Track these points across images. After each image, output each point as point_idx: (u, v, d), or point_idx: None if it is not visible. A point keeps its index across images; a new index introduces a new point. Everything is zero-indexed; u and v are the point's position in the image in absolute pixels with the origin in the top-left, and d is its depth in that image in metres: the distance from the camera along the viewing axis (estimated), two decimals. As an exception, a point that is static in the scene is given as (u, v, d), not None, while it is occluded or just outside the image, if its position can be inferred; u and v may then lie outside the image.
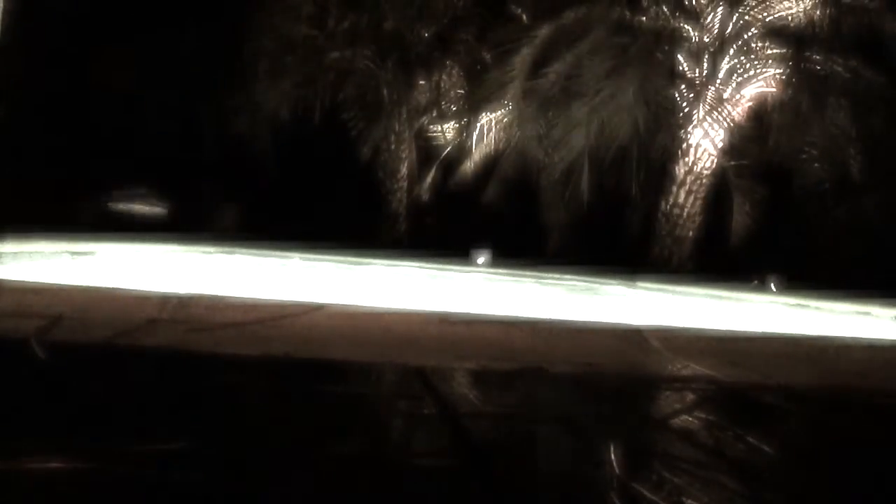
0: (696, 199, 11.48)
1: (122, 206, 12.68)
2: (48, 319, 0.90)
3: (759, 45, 11.17)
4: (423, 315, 1.37)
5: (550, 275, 8.37)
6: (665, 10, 11.23)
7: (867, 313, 6.52)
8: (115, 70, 12.49)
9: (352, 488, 0.48)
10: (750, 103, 11.26)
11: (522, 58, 11.28)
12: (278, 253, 8.03)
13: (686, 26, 11.29)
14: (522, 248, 10.11)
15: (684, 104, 11.15)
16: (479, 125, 13.24)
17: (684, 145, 11.22)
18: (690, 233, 11.56)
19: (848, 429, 0.83)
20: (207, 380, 0.76)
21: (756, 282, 10.07)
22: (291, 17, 13.17)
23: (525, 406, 0.74)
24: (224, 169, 13.28)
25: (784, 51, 10.86)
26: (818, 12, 10.60)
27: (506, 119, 12.49)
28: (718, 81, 11.09)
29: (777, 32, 11.01)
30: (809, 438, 0.77)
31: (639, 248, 11.79)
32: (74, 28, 12.35)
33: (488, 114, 13.02)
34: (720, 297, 7.59)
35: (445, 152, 14.24)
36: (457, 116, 14.04)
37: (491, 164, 12.91)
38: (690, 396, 0.82)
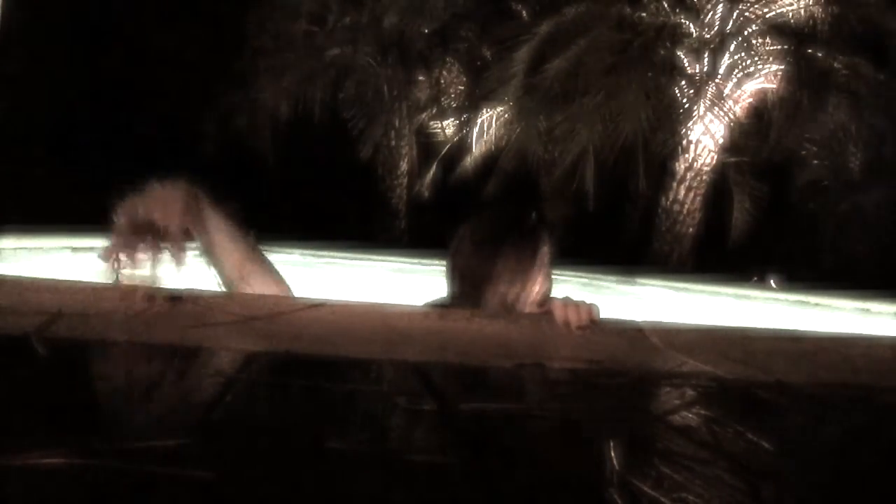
0: (696, 195, 11.50)
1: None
2: (48, 315, 0.90)
3: (760, 41, 11.19)
4: (422, 311, 1.37)
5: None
6: (665, 6, 11.24)
7: (867, 310, 6.52)
8: (114, 67, 12.49)
9: (350, 484, 0.48)
10: (750, 100, 11.28)
11: (523, 54, 11.30)
12: (278, 250, 8.03)
13: (687, 22, 11.30)
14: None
15: (685, 100, 11.17)
16: (479, 122, 13.27)
17: (684, 142, 11.24)
18: (690, 229, 11.58)
19: (848, 425, 0.83)
20: (207, 375, 0.76)
21: (756, 278, 10.08)
22: (291, 14, 13.18)
23: (524, 402, 0.74)
24: (224, 165, 13.29)
25: (784, 47, 10.87)
26: (819, 9, 10.62)
27: (506, 115, 12.51)
28: (719, 78, 11.10)
29: (778, 29, 11.03)
30: (810, 435, 0.78)
31: (638, 245, 11.81)
32: (74, 25, 12.35)
33: (489, 110, 13.04)
34: (720, 294, 7.59)
35: (446, 149, 14.26)
36: (457, 113, 14.06)
37: (491, 161, 12.95)
38: (691, 393, 0.82)
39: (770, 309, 7.38)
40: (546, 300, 1.72)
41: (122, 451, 0.54)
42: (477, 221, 1.84)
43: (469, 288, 1.68)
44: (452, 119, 14.28)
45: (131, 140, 12.44)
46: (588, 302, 1.43)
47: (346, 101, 13.88)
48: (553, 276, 1.76)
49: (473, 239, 1.76)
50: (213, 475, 0.52)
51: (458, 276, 1.73)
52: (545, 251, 1.74)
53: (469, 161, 13.37)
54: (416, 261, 8.33)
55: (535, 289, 1.67)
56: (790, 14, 11.01)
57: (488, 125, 13.27)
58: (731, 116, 11.01)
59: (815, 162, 11.32)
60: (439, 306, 1.78)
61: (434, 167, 14.44)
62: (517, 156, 11.83)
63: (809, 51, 10.77)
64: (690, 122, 11.08)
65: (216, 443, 0.60)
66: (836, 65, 10.69)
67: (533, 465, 0.63)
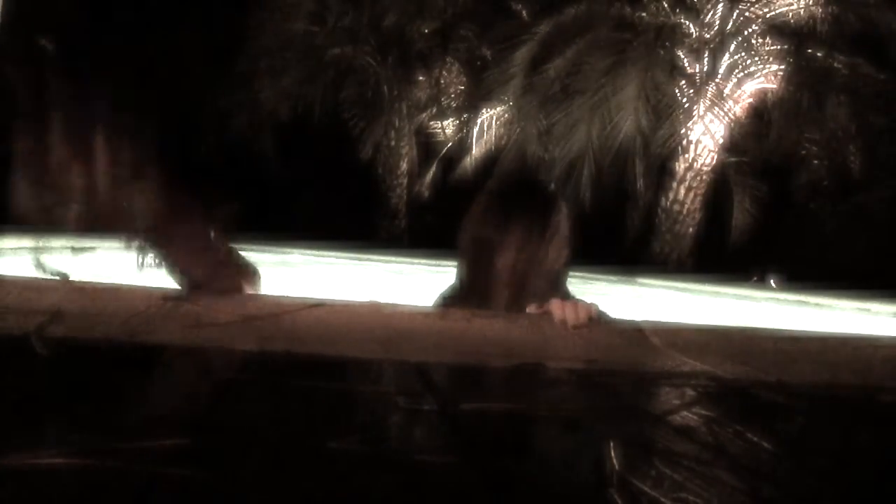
0: (696, 195, 11.50)
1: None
2: (48, 315, 0.90)
3: (760, 41, 11.19)
4: (422, 311, 1.37)
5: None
6: (665, 6, 11.25)
7: (867, 310, 6.53)
8: (113, 66, 12.48)
9: (351, 485, 0.48)
10: (750, 100, 11.28)
11: (523, 54, 11.30)
12: (278, 250, 8.04)
13: (686, 22, 11.30)
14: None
15: (685, 100, 11.16)
16: (479, 121, 13.26)
17: (684, 142, 11.23)
18: (690, 229, 11.58)
19: (848, 425, 0.83)
20: (207, 376, 0.76)
21: (756, 278, 10.08)
22: (291, 14, 13.17)
23: (524, 402, 0.74)
24: (224, 165, 13.28)
25: (784, 47, 10.87)
26: (819, 9, 10.62)
27: (506, 115, 12.51)
28: (719, 77, 11.10)
29: (778, 29, 11.03)
30: (809, 435, 0.77)
31: (638, 245, 11.81)
32: (73, 25, 12.33)
33: (488, 110, 13.04)
34: (720, 294, 7.60)
35: (446, 149, 14.26)
36: (457, 113, 14.06)
37: (491, 161, 12.95)
38: (690, 393, 0.82)
39: (770, 309, 7.38)
40: (561, 277, 1.69)
41: (122, 451, 0.54)
42: (490, 191, 1.82)
43: (480, 257, 1.64)
44: (452, 119, 14.28)
45: (131, 139, 12.40)
46: (588, 301, 1.42)
47: (346, 101, 13.88)
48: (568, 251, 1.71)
49: (486, 207, 1.73)
50: (213, 475, 0.52)
51: (470, 244, 1.69)
52: (559, 221, 1.69)
53: (469, 161, 13.36)
54: (416, 261, 8.34)
55: (548, 257, 1.63)
56: (790, 14, 11.00)
57: (488, 125, 13.26)
58: (731, 116, 11.01)
59: (815, 162, 11.32)
60: (448, 298, 1.77)
61: (434, 167, 14.44)
62: (517, 156, 11.82)
63: (809, 51, 10.76)
64: (690, 122, 11.08)
65: (216, 443, 0.60)
66: (836, 65, 10.69)
67: (533, 465, 0.63)
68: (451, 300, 1.76)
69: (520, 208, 1.67)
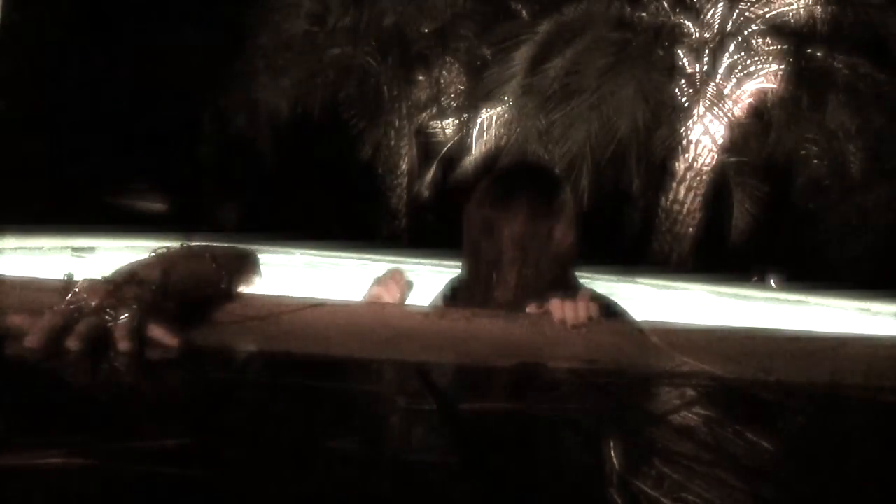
0: (695, 195, 11.50)
1: (123, 203, 12.70)
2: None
3: (760, 41, 11.19)
4: (423, 311, 1.38)
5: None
6: (665, 6, 11.25)
7: (867, 310, 6.53)
8: (114, 66, 12.48)
9: (350, 484, 0.48)
10: (750, 100, 11.28)
11: (522, 54, 11.31)
12: (278, 249, 8.04)
13: (686, 22, 11.30)
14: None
15: (684, 100, 11.17)
16: (479, 121, 13.26)
17: (684, 141, 11.24)
18: (690, 229, 11.58)
19: (848, 425, 0.83)
20: (207, 375, 0.76)
21: (756, 278, 10.08)
22: (291, 14, 13.18)
23: (525, 402, 0.74)
24: (224, 165, 13.28)
25: (784, 47, 10.88)
26: (819, 9, 10.62)
27: (506, 115, 12.51)
28: (718, 77, 11.11)
29: (778, 29, 11.03)
30: (809, 435, 0.77)
31: (638, 245, 11.81)
32: (74, 23, 12.35)
33: (488, 110, 13.04)
34: (720, 294, 7.59)
35: (446, 148, 14.26)
36: (457, 113, 14.07)
37: (491, 161, 12.95)
38: (690, 393, 0.82)
39: (770, 309, 7.38)
40: (569, 264, 1.67)
41: (122, 451, 0.54)
42: (493, 175, 1.81)
43: (486, 234, 1.62)
44: (452, 119, 14.28)
45: (131, 140, 12.43)
46: (588, 300, 1.42)
47: (346, 101, 13.88)
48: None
49: (490, 186, 1.72)
50: (213, 475, 0.52)
51: (475, 226, 1.67)
52: (564, 199, 1.68)
53: (469, 161, 13.36)
54: (416, 261, 8.33)
55: (555, 234, 1.61)
56: (790, 14, 11.00)
57: (488, 125, 13.26)
58: (731, 116, 11.01)
59: (815, 162, 11.32)
60: (453, 291, 1.76)
61: (434, 167, 14.44)
62: (517, 156, 11.82)
63: (809, 51, 10.77)
64: (690, 122, 11.08)
65: (216, 443, 0.60)
66: (836, 65, 10.69)
67: (533, 465, 0.63)
68: (458, 287, 1.76)
69: (525, 185, 1.67)
